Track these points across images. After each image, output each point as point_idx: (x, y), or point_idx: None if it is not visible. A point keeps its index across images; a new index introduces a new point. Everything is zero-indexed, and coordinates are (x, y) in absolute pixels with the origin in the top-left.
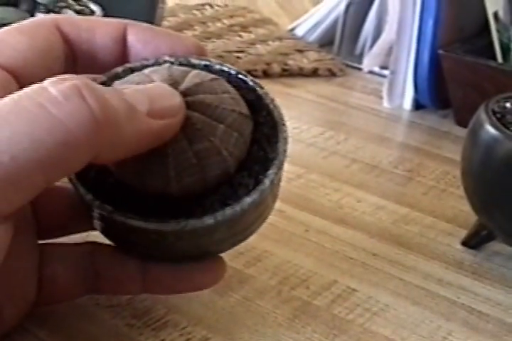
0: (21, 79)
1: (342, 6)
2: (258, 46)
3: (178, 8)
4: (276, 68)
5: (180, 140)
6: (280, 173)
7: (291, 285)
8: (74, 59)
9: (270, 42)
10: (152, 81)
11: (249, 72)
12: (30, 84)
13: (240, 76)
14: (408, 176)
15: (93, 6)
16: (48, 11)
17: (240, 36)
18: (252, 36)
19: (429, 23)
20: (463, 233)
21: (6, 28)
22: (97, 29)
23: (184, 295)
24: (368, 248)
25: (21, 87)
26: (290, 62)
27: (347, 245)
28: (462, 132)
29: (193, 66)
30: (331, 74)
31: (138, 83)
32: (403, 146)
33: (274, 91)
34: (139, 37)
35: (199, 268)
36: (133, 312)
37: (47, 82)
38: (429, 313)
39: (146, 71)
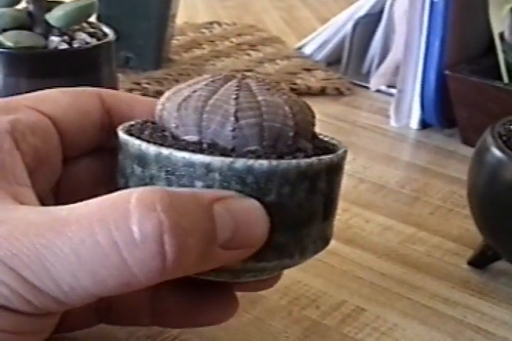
0: (59, 127)
1: (349, 25)
2: (266, 65)
3: (187, 26)
4: (284, 87)
5: (246, 90)
6: (341, 170)
7: (301, 305)
8: (112, 128)
9: (278, 61)
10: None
11: None
12: (68, 135)
13: None
14: (415, 196)
15: (106, 29)
16: (61, 34)
17: (248, 55)
18: (260, 55)
19: (436, 44)
20: (469, 252)
21: (53, 89)
22: (137, 103)
23: None
24: (376, 268)
25: (61, 135)
26: (298, 81)
27: (355, 265)
28: (468, 151)
29: None
30: (339, 93)
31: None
32: (410, 166)
33: None
34: None
35: (210, 303)
36: (147, 333)
37: (133, 208)
38: (436, 333)
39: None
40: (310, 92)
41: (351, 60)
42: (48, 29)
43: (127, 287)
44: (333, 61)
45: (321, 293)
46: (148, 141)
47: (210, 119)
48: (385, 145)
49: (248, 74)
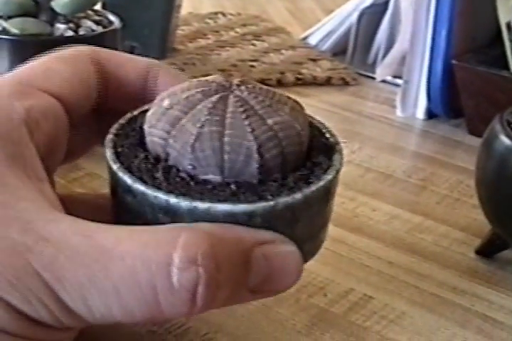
0: (67, 106)
1: (355, 16)
2: (271, 55)
3: (191, 16)
4: (290, 77)
5: (253, 114)
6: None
7: (308, 293)
8: (106, 89)
9: (283, 51)
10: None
11: (263, 81)
12: (72, 111)
13: None
14: (422, 185)
15: (111, 17)
16: (67, 22)
17: (253, 45)
18: (265, 45)
19: (443, 34)
20: (476, 242)
21: (49, 56)
22: (126, 65)
23: None
24: (384, 256)
25: (67, 113)
26: (304, 71)
27: (363, 253)
28: (475, 141)
29: None
30: (345, 83)
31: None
32: (416, 155)
33: None
34: (156, 81)
35: None
36: None
37: (176, 257)
38: (444, 321)
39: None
40: (316, 82)
41: (357, 50)
42: (54, 16)
43: (151, 320)
44: (338, 51)
45: (329, 280)
46: (170, 191)
47: (233, 160)
48: (392, 135)
49: (254, 64)
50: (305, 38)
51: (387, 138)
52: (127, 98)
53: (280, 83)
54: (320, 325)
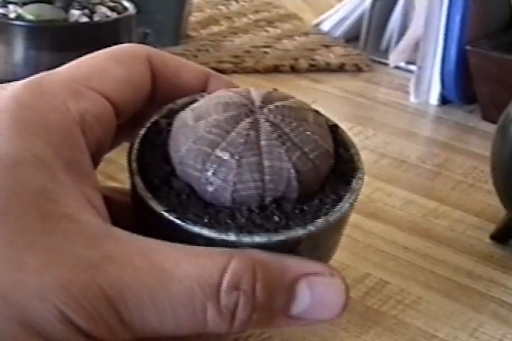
0: (117, 110)
1: (368, 1)
2: (285, 41)
3: (204, 3)
4: (303, 63)
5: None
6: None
7: None
8: (153, 95)
9: (296, 38)
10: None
11: (276, 67)
12: (120, 115)
13: None
14: (436, 171)
15: (126, 3)
16: (82, 8)
17: (266, 31)
18: (278, 31)
19: (457, 19)
20: (491, 227)
21: (103, 55)
22: (183, 72)
23: None
24: (399, 241)
25: (116, 116)
26: (317, 57)
27: (379, 239)
28: (488, 127)
29: None
30: (358, 69)
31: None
32: (430, 141)
33: (302, 86)
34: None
35: None
36: None
37: (225, 283)
38: (460, 305)
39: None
40: (329, 68)
41: (370, 36)
42: (69, 2)
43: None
44: (351, 38)
45: (345, 265)
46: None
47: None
48: (405, 121)
49: (267, 50)
50: (318, 25)
51: (401, 124)
52: None
53: (294, 69)
54: None
